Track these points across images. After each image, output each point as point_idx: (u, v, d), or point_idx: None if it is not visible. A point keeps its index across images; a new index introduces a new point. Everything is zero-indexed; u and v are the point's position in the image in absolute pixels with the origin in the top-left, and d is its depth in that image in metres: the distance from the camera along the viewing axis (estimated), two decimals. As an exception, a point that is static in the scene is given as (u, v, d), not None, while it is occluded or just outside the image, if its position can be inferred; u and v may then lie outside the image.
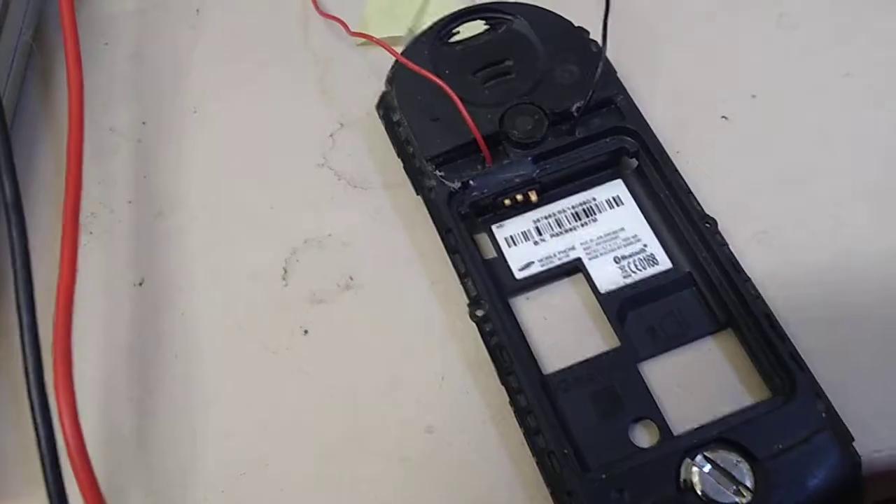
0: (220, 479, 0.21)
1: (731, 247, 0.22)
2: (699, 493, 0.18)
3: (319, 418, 0.21)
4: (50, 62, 0.28)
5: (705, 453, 0.19)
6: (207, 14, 0.29)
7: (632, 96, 0.24)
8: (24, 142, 0.26)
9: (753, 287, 0.21)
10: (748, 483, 0.19)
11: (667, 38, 0.27)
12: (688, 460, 0.19)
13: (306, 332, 0.23)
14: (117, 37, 0.29)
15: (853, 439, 0.19)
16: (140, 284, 0.24)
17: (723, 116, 0.26)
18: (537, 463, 0.20)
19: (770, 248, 0.23)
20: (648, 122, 0.24)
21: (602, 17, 0.24)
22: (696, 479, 0.19)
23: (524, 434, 0.20)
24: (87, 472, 0.18)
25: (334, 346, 0.22)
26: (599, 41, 0.24)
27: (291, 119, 0.27)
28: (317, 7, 0.28)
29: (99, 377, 0.22)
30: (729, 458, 0.19)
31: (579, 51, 0.24)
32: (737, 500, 0.18)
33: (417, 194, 0.24)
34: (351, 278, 0.23)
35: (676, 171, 0.23)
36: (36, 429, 0.19)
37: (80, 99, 0.23)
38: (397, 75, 0.24)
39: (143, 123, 0.27)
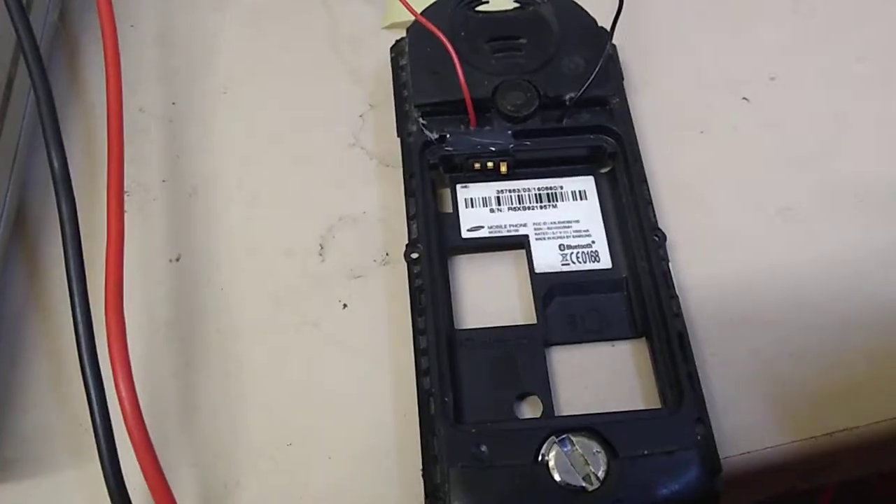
0: (267, 448, 0.21)
1: (671, 262, 0.23)
2: (550, 468, 0.19)
3: (362, 389, 0.22)
4: (75, 41, 0.29)
5: (571, 436, 0.20)
6: None
7: (633, 101, 0.25)
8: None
9: (678, 304, 0.22)
10: (600, 473, 0.19)
11: (637, 32, 0.28)
12: (553, 438, 0.20)
13: (345, 305, 0.23)
14: (143, 19, 0.29)
15: (721, 470, 0.20)
16: (177, 260, 0.24)
17: (701, 131, 0.26)
18: (418, 404, 0.21)
19: (709, 271, 0.24)
20: (639, 128, 0.25)
21: (614, 16, 0.24)
22: (552, 454, 0.19)
23: (416, 375, 0.21)
24: (145, 443, 0.19)
25: (373, 319, 0.23)
26: (614, 42, 0.25)
27: (321, 100, 0.27)
28: None
29: (141, 352, 0.22)
30: (589, 446, 0.19)
31: (592, 47, 0.25)
32: (583, 484, 0.19)
33: (398, 136, 0.25)
34: (387, 254, 0.24)
35: (645, 181, 0.24)
36: (90, 401, 0.19)
37: (119, 81, 0.23)
38: (415, 26, 0.26)
39: (173, 104, 0.27)
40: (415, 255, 0.22)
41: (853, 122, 0.27)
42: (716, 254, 0.24)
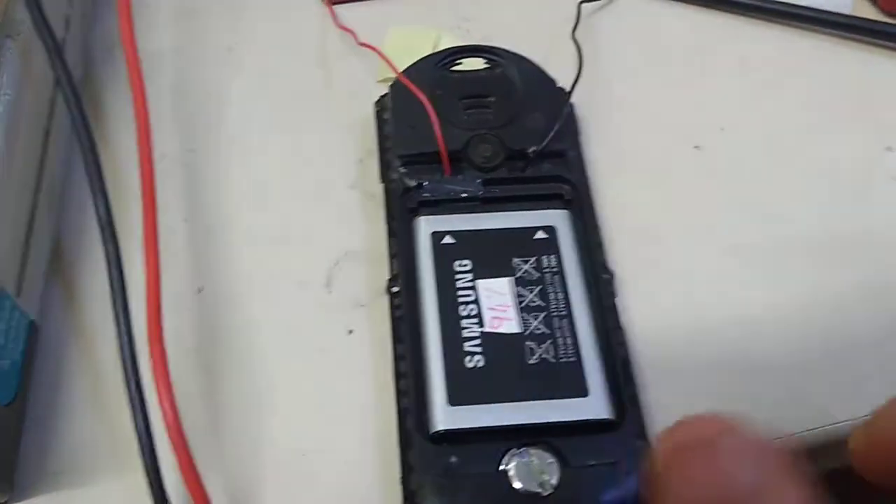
0: (285, 459, 0.24)
1: (618, 299, 0.26)
2: (510, 476, 0.22)
3: (367, 406, 0.25)
4: (98, 94, 0.32)
5: (528, 448, 0.23)
6: (239, 52, 0.33)
7: (592, 151, 0.29)
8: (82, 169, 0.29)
9: (622, 335, 0.25)
10: (553, 481, 0.22)
11: (598, 86, 0.32)
12: (513, 450, 0.23)
13: (351, 331, 0.26)
14: (159, 72, 0.32)
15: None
16: (200, 291, 0.27)
17: (657, 177, 0.30)
18: (397, 421, 0.24)
19: (659, 305, 0.27)
20: (599, 175, 0.28)
21: (573, 80, 0.28)
22: (512, 464, 0.22)
23: (395, 395, 0.24)
24: (186, 453, 0.22)
25: (376, 344, 0.26)
26: (572, 101, 0.29)
27: (323, 147, 0.30)
28: (334, 19, 0.33)
29: (172, 374, 0.24)
30: (544, 457, 0.22)
31: (552, 105, 0.28)
32: (539, 490, 0.22)
33: (381, 182, 0.28)
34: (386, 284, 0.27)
35: (597, 227, 0.27)
36: (134, 415, 0.22)
37: (147, 131, 0.27)
38: (397, 85, 0.29)
39: (191, 151, 0.30)
40: (395, 289, 0.25)
41: (796, 168, 0.30)
42: (666, 290, 0.27)
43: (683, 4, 0.35)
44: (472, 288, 0.25)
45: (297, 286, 0.27)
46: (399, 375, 0.24)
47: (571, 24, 0.33)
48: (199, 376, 0.26)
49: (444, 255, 0.26)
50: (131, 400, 0.22)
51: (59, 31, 0.28)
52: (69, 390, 0.25)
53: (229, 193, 0.29)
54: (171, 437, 0.22)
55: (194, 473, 0.22)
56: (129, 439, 0.22)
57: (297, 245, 0.28)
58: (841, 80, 0.33)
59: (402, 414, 0.24)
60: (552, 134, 0.27)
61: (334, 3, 0.34)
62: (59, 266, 0.27)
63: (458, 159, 0.28)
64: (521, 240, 0.26)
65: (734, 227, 0.29)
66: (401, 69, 0.29)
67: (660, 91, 0.32)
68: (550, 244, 0.26)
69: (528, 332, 0.24)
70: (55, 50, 0.26)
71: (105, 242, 0.24)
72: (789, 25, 0.34)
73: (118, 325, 0.23)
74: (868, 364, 0.26)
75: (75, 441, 0.24)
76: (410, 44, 0.32)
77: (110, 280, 0.24)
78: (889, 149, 0.31)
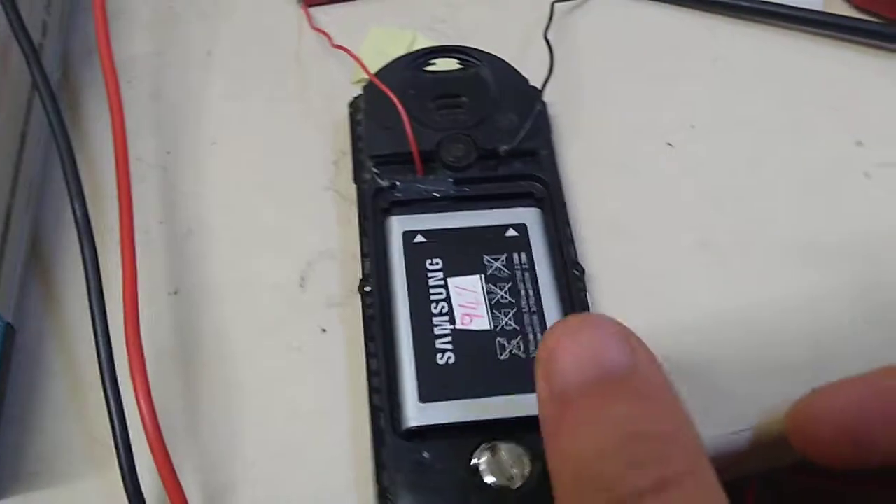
0: (258, 458, 0.25)
1: (589, 293, 0.26)
2: (482, 470, 0.23)
3: (341, 405, 0.25)
4: (76, 96, 0.32)
5: (498, 443, 0.23)
6: (218, 56, 0.33)
7: (566, 149, 0.29)
8: (59, 171, 0.29)
9: None
10: (525, 473, 0.22)
11: (572, 85, 0.32)
12: (484, 445, 0.23)
13: (324, 330, 0.27)
14: (139, 76, 0.32)
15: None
16: (175, 293, 0.27)
17: (630, 175, 0.30)
18: (370, 418, 0.24)
19: (632, 301, 0.27)
20: (572, 173, 0.29)
21: (545, 78, 0.28)
22: (483, 459, 0.23)
23: (368, 392, 0.24)
24: (163, 451, 0.22)
25: (350, 342, 0.26)
26: (545, 100, 0.29)
27: (298, 148, 0.31)
28: (309, 21, 0.33)
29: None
30: (514, 450, 0.23)
31: (524, 105, 0.29)
32: (508, 483, 0.22)
33: (354, 182, 0.28)
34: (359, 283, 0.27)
35: (568, 224, 0.27)
36: (110, 416, 0.22)
37: (124, 135, 0.27)
38: (369, 86, 0.29)
39: (168, 153, 0.30)
40: (367, 289, 0.26)
41: (768, 165, 0.31)
42: (639, 285, 0.28)
43: (657, 4, 0.35)
44: (444, 286, 0.25)
45: (271, 287, 0.28)
46: (371, 373, 0.24)
47: (541, 23, 0.33)
48: (173, 377, 0.26)
49: (415, 254, 0.26)
50: (108, 401, 0.23)
51: (36, 37, 0.28)
52: (46, 391, 0.25)
53: (204, 195, 0.30)
54: (149, 440, 0.22)
55: (172, 475, 0.22)
56: (106, 440, 0.23)
57: (271, 246, 0.28)
58: (812, 76, 0.33)
59: (374, 412, 0.24)
60: (523, 133, 0.28)
61: (310, 5, 0.34)
62: (37, 267, 0.28)
63: (431, 159, 0.28)
64: (491, 238, 0.26)
65: (706, 225, 0.29)
66: (377, 70, 0.29)
67: (633, 89, 0.32)
68: (521, 242, 0.26)
69: (498, 328, 0.25)
70: (32, 55, 0.26)
71: (82, 245, 0.24)
72: (761, 23, 0.34)
73: (95, 326, 0.23)
74: (840, 361, 0.26)
75: (52, 441, 0.25)
76: (388, 44, 0.33)
77: (87, 283, 0.24)
78: (860, 144, 0.31)
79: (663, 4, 0.35)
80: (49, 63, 0.30)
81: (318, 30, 0.33)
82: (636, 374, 0.18)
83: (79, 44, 0.33)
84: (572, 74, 0.32)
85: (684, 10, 0.35)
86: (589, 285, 0.27)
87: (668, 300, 0.27)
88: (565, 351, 0.18)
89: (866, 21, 0.34)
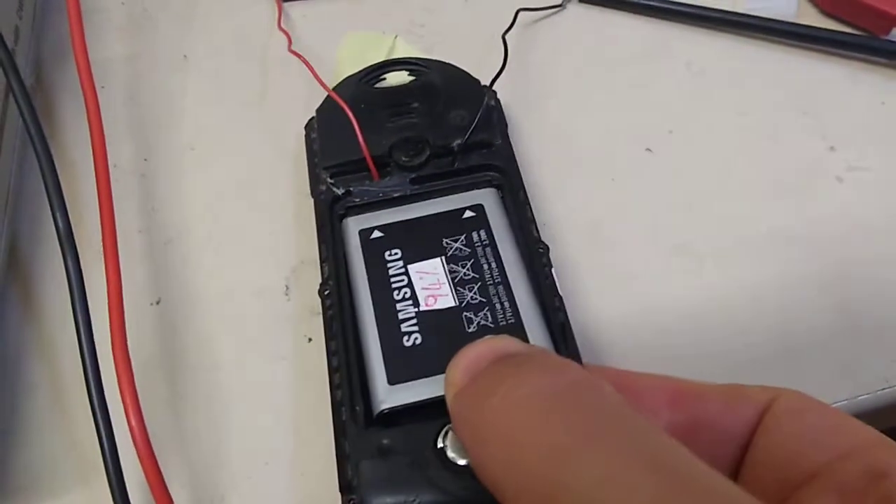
0: (247, 468, 0.24)
1: (554, 269, 0.25)
2: (448, 453, 0.22)
3: (327, 416, 0.24)
4: (50, 101, 0.32)
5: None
6: (193, 60, 0.33)
7: (519, 138, 0.30)
8: (34, 179, 0.29)
9: (560, 301, 0.25)
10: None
11: (552, 93, 0.33)
12: (449, 426, 0.22)
13: (310, 339, 0.27)
14: (113, 80, 0.32)
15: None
16: (157, 303, 0.27)
17: (611, 179, 0.31)
18: (332, 412, 0.23)
19: (609, 301, 0.27)
20: (526, 160, 0.29)
21: (496, 72, 0.29)
22: (448, 440, 0.22)
23: (329, 388, 0.24)
24: (153, 464, 0.22)
25: None
26: (497, 96, 0.29)
27: (279, 154, 0.31)
28: (278, 19, 0.33)
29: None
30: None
31: (475, 101, 0.29)
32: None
33: (312, 196, 0.28)
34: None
35: (527, 204, 0.27)
36: (97, 427, 0.22)
37: (102, 141, 0.27)
38: (325, 103, 0.30)
39: (145, 160, 0.30)
40: (327, 292, 0.26)
41: (743, 170, 0.31)
42: (616, 285, 0.27)
43: (631, 14, 0.35)
44: (405, 273, 0.25)
45: (254, 295, 0.27)
46: (332, 370, 0.24)
47: (522, 30, 0.34)
48: (158, 388, 0.26)
49: (373, 249, 0.26)
50: (94, 414, 0.23)
51: (8, 41, 0.27)
52: (30, 405, 0.25)
53: (184, 203, 0.30)
54: (139, 453, 0.22)
55: (162, 486, 0.22)
56: (92, 452, 0.23)
57: (254, 254, 0.28)
58: (785, 83, 0.33)
59: (336, 407, 0.23)
60: (474, 124, 0.28)
61: (285, 0, 0.34)
62: (15, 278, 0.28)
63: (385, 164, 0.28)
64: (449, 221, 0.26)
65: (682, 227, 0.29)
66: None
67: (609, 96, 0.33)
68: (480, 220, 0.26)
69: (464, 303, 0.25)
70: (7, 61, 0.26)
71: (65, 258, 0.24)
72: (735, 33, 0.35)
73: (80, 339, 0.23)
74: (815, 357, 0.26)
75: (38, 456, 0.24)
76: (365, 49, 0.33)
77: (71, 296, 0.24)
78: (832, 149, 0.31)
79: (637, 15, 0.35)
80: (23, 67, 0.30)
81: (283, 31, 0.33)
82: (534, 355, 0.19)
83: (53, 46, 0.33)
84: (547, 82, 0.33)
85: (659, 20, 0.35)
86: (565, 283, 0.26)
87: (647, 301, 0.27)
88: (463, 356, 0.19)
89: (835, 31, 0.34)
